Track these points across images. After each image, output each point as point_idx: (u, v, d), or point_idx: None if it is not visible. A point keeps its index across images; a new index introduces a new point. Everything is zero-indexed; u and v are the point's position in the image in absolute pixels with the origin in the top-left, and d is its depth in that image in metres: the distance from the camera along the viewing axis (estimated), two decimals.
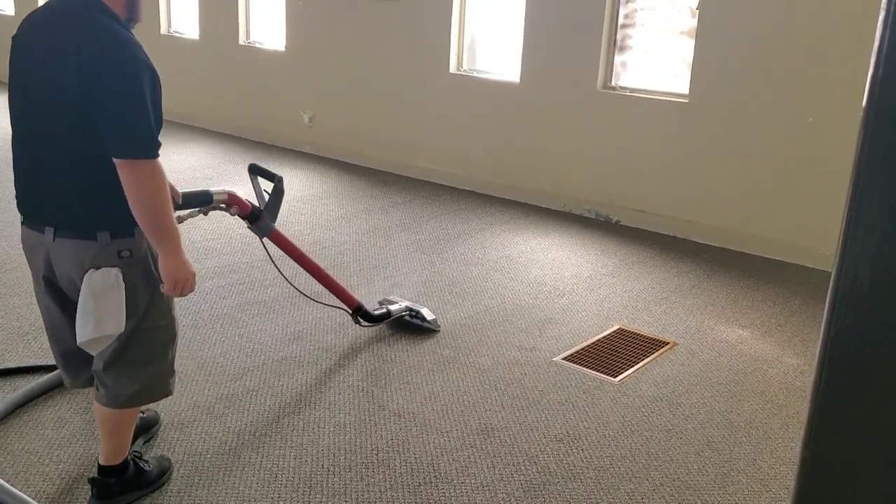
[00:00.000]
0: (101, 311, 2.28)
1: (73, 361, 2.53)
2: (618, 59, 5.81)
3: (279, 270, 3.51)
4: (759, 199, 5.29)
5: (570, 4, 5.87)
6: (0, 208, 5.45)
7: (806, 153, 5.06)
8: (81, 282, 2.30)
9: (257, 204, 3.32)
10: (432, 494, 2.73)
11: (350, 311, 3.76)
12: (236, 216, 3.21)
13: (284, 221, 5.53)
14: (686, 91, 5.47)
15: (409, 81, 6.81)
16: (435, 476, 2.83)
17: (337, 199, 6.20)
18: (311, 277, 3.70)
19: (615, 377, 3.60)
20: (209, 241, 5.09)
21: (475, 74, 6.53)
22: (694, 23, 5.42)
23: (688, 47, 5.46)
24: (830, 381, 0.97)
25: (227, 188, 3.17)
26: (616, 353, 3.84)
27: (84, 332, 2.30)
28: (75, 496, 2.64)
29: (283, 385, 3.40)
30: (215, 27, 8.13)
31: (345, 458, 2.90)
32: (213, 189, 3.06)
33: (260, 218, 3.27)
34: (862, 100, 0.92)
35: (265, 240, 3.39)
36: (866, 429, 0.94)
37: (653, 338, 4.02)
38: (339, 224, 5.57)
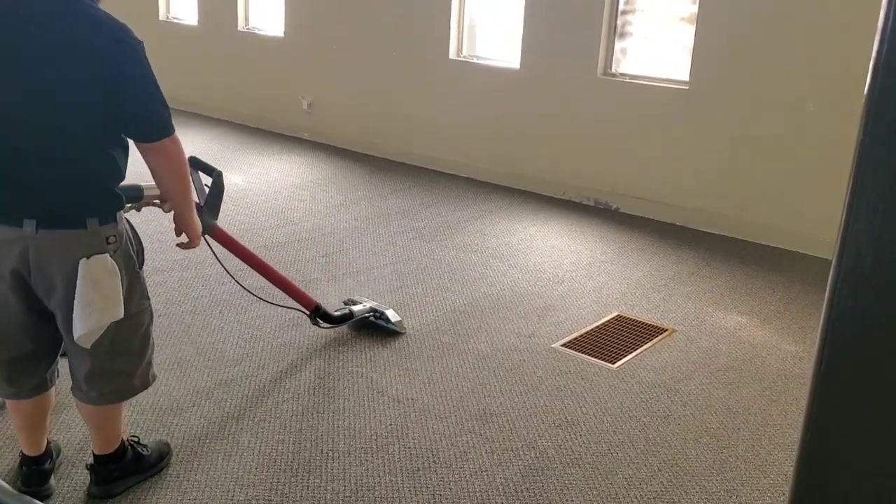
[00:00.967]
0: (105, 299, 2.25)
1: (23, 369, 2.42)
2: (618, 45, 5.79)
3: (226, 270, 3.24)
4: (758, 187, 5.28)
5: None
6: None
7: (806, 140, 5.05)
8: (65, 275, 2.23)
9: (198, 199, 3.05)
10: (431, 479, 2.73)
11: (308, 313, 3.54)
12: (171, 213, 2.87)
13: (284, 208, 5.53)
14: (686, 78, 5.46)
15: (409, 68, 6.78)
16: (434, 461, 2.83)
17: (336, 186, 6.19)
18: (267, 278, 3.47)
19: (613, 364, 3.60)
20: None
21: (475, 61, 6.50)
22: (694, 9, 5.39)
23: (688, 34, 5.44)
24: (831, 362, 0.96)
25: None
26: (614, 339, 3.84)
27: (87, 322, 2.23)
28: (74, 481, 2.64)
29: (281, 371, 3.40)
30: (214, 13, 8.09)
31: (344, 444, 2.91)
32: (144, 184, 2.75)
33: (199, 214, 2.83)
34: (861, 88, 0.91)
35: (210, 238, 3.12)
36: (868, 410, 0.94)
37: (651, 324, 4.02)
38: (338, 211, 5.57)
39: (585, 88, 5.88)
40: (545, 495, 2.69)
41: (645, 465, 2.88)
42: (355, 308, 3.76)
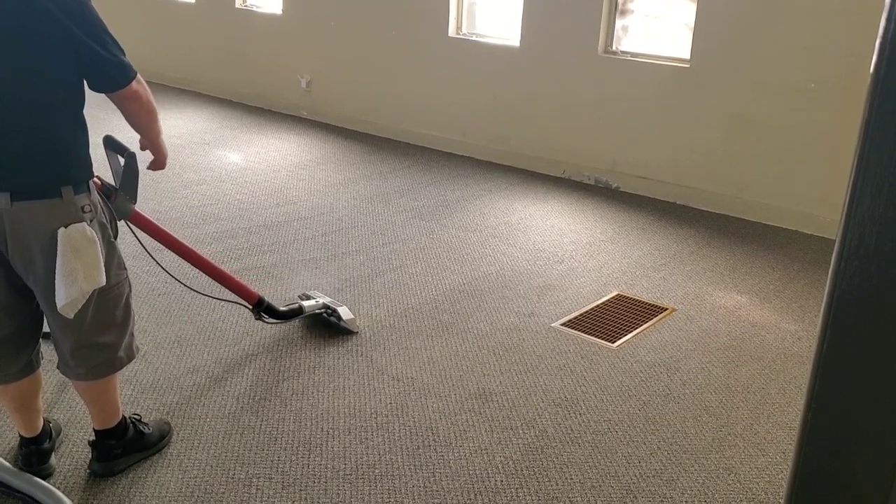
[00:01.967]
0: (86, 267, 2.21)
1: (6, 351, 2.41)
2: (619, 23, 5.75)
3: (155, 260, 3.02)
4: (759, 166, 5.27)
5: None
6: None
7: (807, 120, 5.03)
8: (43, 246, 2.20)
9: (113, 182, 2.78)
10: (431, 457, 2.74)
11: (249, 307, 3.33)
12: None
13: (283, 187, 5.51)
14: (687, 56, 5.42)
15: (408, 45, 6.74)
16: (434, 439, 2.84)
17: (335, 165, 6.17)
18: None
19: (613, 343, 3.61)
20: (207, 206, 5.07)
21: (474, 38, 6.46)
22: None
23: (689, 11, 5.40)
24: (833, 342, 0.96)
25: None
26: (614, 318, 3.85)
27: (70, 291, 2.19)
28: (75, 461, 2.65)
29: (281, 350, 3.40)
30: None
31: (344, 422, 2.92)
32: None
33: (112, 196, 2.66)
34: (863, 67, 0.90)
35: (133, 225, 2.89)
36: (870, 389, 0.94)
37: (651, 304, 4.02)
38: (337, 190, 5.55)
39: (586, 66, 5.84)
40: (545, 473, 2.70)
41: (644, 444, 2.89)
42: (306, 303, 3.53)
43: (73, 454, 2.68)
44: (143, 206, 4.74)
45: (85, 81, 2.27)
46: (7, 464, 2.56)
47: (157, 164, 2.63)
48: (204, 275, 3.26)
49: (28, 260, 2.24)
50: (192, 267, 3.21)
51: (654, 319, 3.86)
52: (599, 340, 3.62)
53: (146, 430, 2.69)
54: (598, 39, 5.74)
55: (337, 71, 7.26)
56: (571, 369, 3.37)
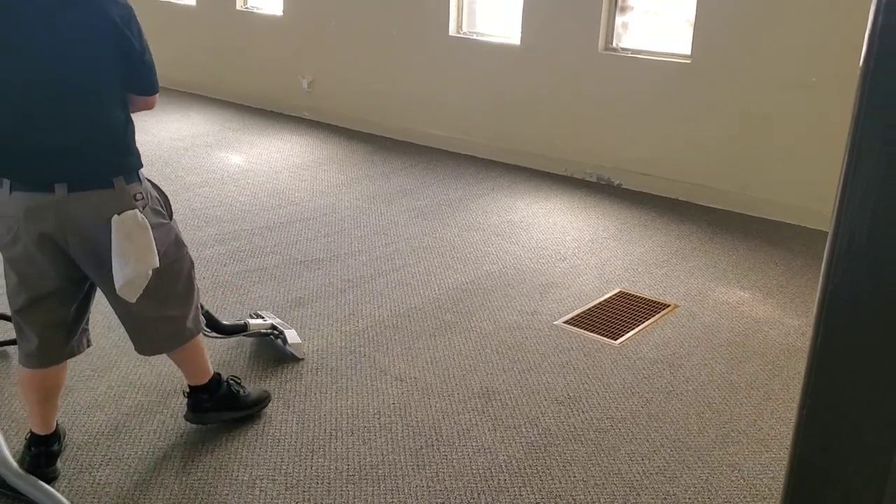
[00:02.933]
0: (139, 250, 2.34)
1: (56, 335, 2.49)
2: (619, 19, 5.74)
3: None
4: (761, 161, 5.26)
5: None
6: None
7: (809, 114, 5.01)
8: (100, 234, 2.32)
9: None
10: (434, 457, 2.75)
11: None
12: None
13: (285, 188, 5.52)
14: (688, 52, 5.41)
15: (409, 45, 6.74)
16: (437, 439, 2.85)
17: (337, 165, 6.18)
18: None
19: (616, 340, 3.61)
20: (210, 208, 5.08)
21: (475, 37, 6.46)
22: None
23: (690, 7, 5.39)
24: (827, 340, 0.96)
25: None
26: (617, 315, 3.84)
27: (125, 272, 2.31)
28: (80, 464, 2.66)
29: (283, 351, 3.41)
30: None
31: (347, 423, 2.92)
32: None
33: None
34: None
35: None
36: (861, 386, 0.94)
37: (654, 300, 4.02)
38: (339, 190, 5.55)
39: (586, 64, 5.84)
40: (548, 472, 2.70)
41: (647, 441, 2.89)
42: (252, 321, 3.35)
43: (76, 458, 2.69)
44: None
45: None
46: (15, 465, 2.57)
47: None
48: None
49: (87, 248, 2.37)
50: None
51: (657, 316, 3.85)
52: (602, 338, 3.62)
53: (241, 392, 2.87)
54: (599, 36, 5.74)
55: (338, 71, 7.27)
56: (574, 367, 3.37)
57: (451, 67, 6.53)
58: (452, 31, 6.48)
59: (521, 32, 6.10)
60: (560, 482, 2.65)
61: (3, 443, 2.62)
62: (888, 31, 0.86)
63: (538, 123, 6.17)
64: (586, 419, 3.01)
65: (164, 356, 2.78)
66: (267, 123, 7.34)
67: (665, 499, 2.60)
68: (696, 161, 5.50)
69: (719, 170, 5.42)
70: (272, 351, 3.40)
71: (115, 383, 3.12)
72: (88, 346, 2.66)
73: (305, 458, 2.72)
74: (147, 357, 2.89)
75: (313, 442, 2.81)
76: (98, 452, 2.72)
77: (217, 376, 2.84)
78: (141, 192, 2.42)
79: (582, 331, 3.68)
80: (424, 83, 6.73)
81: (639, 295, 4.08)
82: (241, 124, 7.30)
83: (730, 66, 5.24)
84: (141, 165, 2.46)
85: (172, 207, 2.66)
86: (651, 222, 5.14)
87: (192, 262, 2.66)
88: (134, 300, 2.39)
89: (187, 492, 2.55)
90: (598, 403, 3.11)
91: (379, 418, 2.96)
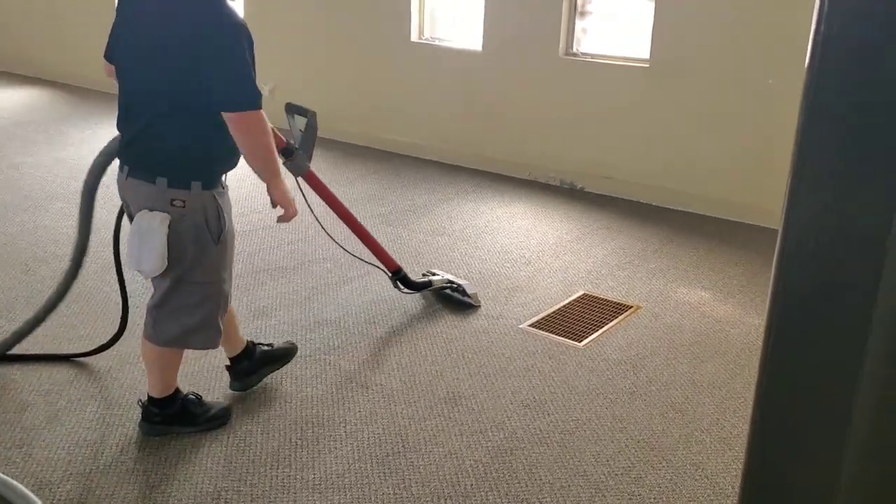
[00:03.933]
0: (143, 250, 2.52)
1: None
2: (579, 24, 5.79)
3: (320, 223, 3.54)
4: (721, 163, 5.33)
5: None
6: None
7: (768, 115, 5.10)
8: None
9: (294, 143, 3.37)
10: (400, 464, 2.75)
11: (389, 274, 3.75)
12: None
13: (248, 196, 5.47)
14: (647, 56, 5.48)
15: (372, 51, 6.73)
16: (403, 446, 2.85)
17: None
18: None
19: (580, 342, 3.64)
20: None
21: (437, 43, 6.47)
22: None
23: (648, 12, 5.46)
24: (777, 342, 0.98)
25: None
26: (581, 318, 3.87)
27: (129, 262, 2.60)
28: (39, 480, 2.62)
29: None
30: None
31: (312, 432, 2.91)
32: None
33: (293, 154, 3.29)
34: None
35: (301, 182, 3.41)
36: (812, 384, 0.96)
37: (617, 302, 4.06)
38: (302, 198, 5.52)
39: (547, 69, 5.88)
40: (514, 475, 2.71)
41: (612, 442, 2.92)
42: (434, 278, 3.92)
43: (35, 474, 2.64)
44: (107, 219, 4.71)
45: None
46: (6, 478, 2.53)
47: (283, 210, 2.73)
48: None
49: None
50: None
51: (620, 318, 3.89)
52: (567, 340, 3.65)
53: (197, 410, 2.87)
54: (559, 42, 5.79)
55: (300, 77, 7.23)
56: (539, 370, 3.39)
57: (414, 73, 6.54)
58: (415, 37, 6.49)
59: (483, 38, 6.12)
60: (526, 485, 2.67)
61: None
62: (830, 39, 0.88)
63: (501, 128, 6.20)
64: (552, 422, 3.03)
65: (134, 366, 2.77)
66: None
67: (630, 499, 2.62)
68: (656, 163, 5.57)
69: (679, 172, 5.49)
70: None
71: (76, 396, 3.08)
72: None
73: (271, 469, 2.70)
74: (200, 349, 2.94)
75: (278, 452, 2.79)
76: (59, 467, 2.68)
77: (173, 395, 2.84)
78: (183, 201, 2.52)
79: (547, 334, 3.70)
80: (387, 89, 6.73)
81: (602, 297, 4.11)
82: None
83: (688, 69, 5.32)
84: (199, 179, 2.53)
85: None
86: (613, 225, 5.19)
87: (220, 294, 2.72)
88: (145, 278, 2.66)
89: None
90: (563, 406, 3.13)
91: (345, 426, 2.95)
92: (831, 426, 0.91)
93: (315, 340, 3.56)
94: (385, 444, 2.85)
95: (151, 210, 2.52)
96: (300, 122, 3.46)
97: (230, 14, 2.47)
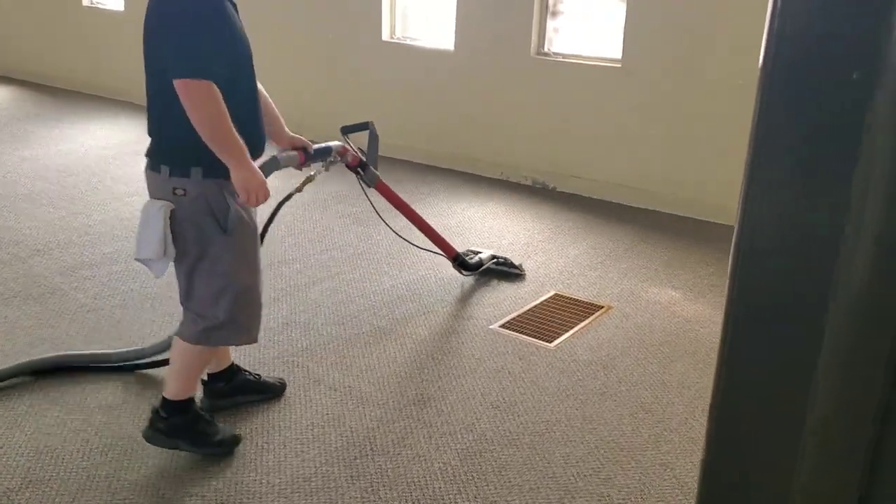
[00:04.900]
0: (142, 237, 2.50)
1: None
2: (550, 24, 5.79)
3: (384, 221, 3.88)
4: (691, 162, 5.35)
5: None
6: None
7: (737, 115, 5.10)
8: None
9: (362, 157, 3.58)
10: (368, 467, 2.72)
11: (451, 259, 4.08)
12: (347, 167, 3.49)
13: None
14: (619, 56, 5.49)
15: (344, 50, 6.69)
16: (371, 449, 2.82)
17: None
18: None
19: (551, 343, 3.62)
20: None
21: (408, 42, 6.44)
22: None
23: (619, 11, 5.46)
24: (734, 341, 0.97)
25: (339, 142, 3.41)
26: (552, 318, 3.86)
27: (138, 251, 2.54)
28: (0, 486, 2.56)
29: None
30: None
31: (279, 435, 2.87)
32: (330, 143, 3.33)
33: (366, 168, 3.57)
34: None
35: (371, 191, 3.68)
36: (767, 385, 0.94)
37: (588, 302, 4.05)
38: (272, 198, 5.46)
39: (519, 68, 5.87)
40: (483, 477, 2.69)
41: (582, 443, 2.91)
42: (482, 256, 4.26)
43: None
44: (71, 220, 4.64)
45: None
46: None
47: (240, 195, 2.52)
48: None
49: None
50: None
51: (591, 318, 3.88)
52: (537, 341, 3.63)
53: (207, 430, 2.73)
54: (531, 41, 5.78)
55: (271, 77, 7.16)
56: (510, 371, 3.37)
57: (386, 73, 6.50)
58: (386, 36, 6.46)
59: (455, 38, 6.11)
60: (495, 488, 2.65)
61: None
62: (783, 37, 0.87)
63: (474, 128, 6.18)
64: (521, 423, 3.01)
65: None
66: None
67: (600, 500, 2.61)
68: (627, 163, 5.58)
69: (651, 171, 5.50)
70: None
71: (36, 401, 3.01)
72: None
73: (236, 473, 2.66)
74: (221, 344, 2.86)
75: (244, 456, 2.75)
76: (17, 475, 2.61)
77: (185, 403, 2.71)
78: (184, 189, 2.47)
79: (517, 334, 3.68)
80: (358, 88, 6.69)
81: (573, 297, 4.11)
82: None
83: (659, 69, 5.33)
84: (204, 166, 2.45)
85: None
86: (585, 225, 5.19)
87: (237, 290, 2.60)
88: (155, 275, 2.61)
89: None
90: (534, 407, 3.12)
91: (312, 430, 2.91)
92: (787, 427, 0.90)
93: (283, 342, 3.52)
94: (353, 448, 2.82)
95: (156, 199, 2.51)
96: (356, 139, 3.63)
97: None
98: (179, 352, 2.69)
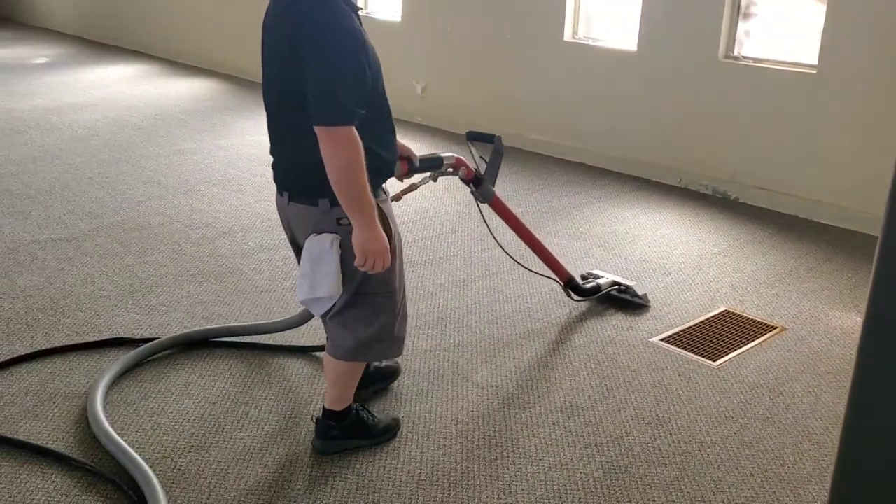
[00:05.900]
0: (316, 276, 2.41)
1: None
2: (741, 26, 5.49)
3: (495, 238, 3.64)
4: (888, 178, 4.89)
5: None
6: (124, 171, 5.75)
7: None
8: (303, 243, 2.47)
9: (479, 170, 3.42)
10: (508, 469, 2.68)
11: (562, 283, 3.76)
12: (461, 179, 3.36)
13: (391, 190, 5.56)
14: (815, 62, 5.11)
15: (523, 51, 6.68)
16: (513, 451, 2.78)
17: None
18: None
19: (715, 361, 3.43)
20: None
21: (590, 42, 6.34)
22: None
23: (818, 14, 5.09)
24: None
25: (453, 153, 3.27)
26: (719, 336, 3.66)
27: (302, 291, 2.47)
28: (166, 448, 2.75)
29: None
30: None
31: (424, 427, 2.90)
32: (442, 154, 3.22)
33: (482, 183, 3.37)
34: None
35: (483, 206, 3.48)
36: None
37: (760, 322, 3.80)
38: (442, 194, 5.55)
39: (705, 72, 5.62)
40: (626, 493, 2.59)
41: (737, 469, 2.73)
42: (601, 281, 3.90)
43: (161, 442, 2.78)
44: (256, 206, 4.87)
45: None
46: (119, 439, 2.69)
47: (357, 257, 2.37)
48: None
49: (298, 246, 2.58)
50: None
51: (762, 338, 3.64)
52: (700, 358, 3.45)
53: (370, 421, 2.78)
54: (720, 44, 5.52)
55: (451, 77, 7.29)
56: (666, 387, 3.22)
57: (565, 73, 6.43)
58: (568, 36, 6.38)
59: (639, 38, 5.94)
60: None
61: (99, 416, 2.76)
62: None
63: (653, 132, 5.98)
64: (673, 442, 2.87)
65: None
66: None
67: None
68: (818, 176, 5.19)
69: (843, 186, 5.09)
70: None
71: (207, 372, 3.22)
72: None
73: (379, 459, 2.72)
74: (373, 360, 2.93)
75: (388, 444, 2.80)
76: (182, 439, 2.80)
77: (349, 407, 2.74)
78: (347, 218, 2.33)
79: (679, 350, 3.52)
80: (537, 89, 6.66)
81: (745, 315, 3.87)
82: None
83: (859, 77, 4.92)
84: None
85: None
86: (766, 239, 4.88)
87: (393, 304, 2.58)
88: (317, 314, 2.56)
89: (261, 484, 2.59)
90: (688, 426, 2.96)
91: (456, 425, 2.92)
92: None
93: (436, 336, 3.56)
94: (495, 448, 2.80)
95: (319, 233, 2.41)
96: (482, 148, 3.47)
97: (331, 13, 2.26)
98: (336, 369, 2.66)
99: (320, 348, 3.31)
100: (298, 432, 2.85)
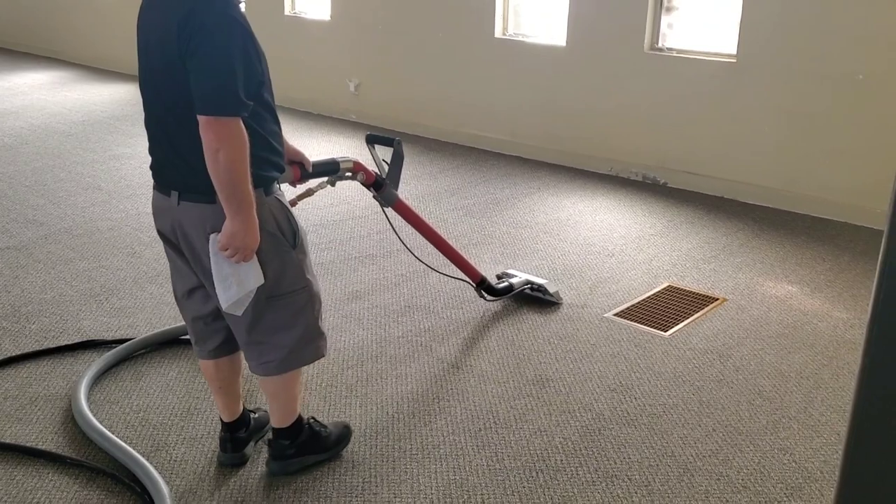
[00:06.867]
0: (240, 271, 2.26)
1: (203, 328, 2.55)
2: (665, 20, 5.80)
3: (403, 243, 3.65)
4: (807, 158, 5.28)
5: None
6: (62, 178, 5.67)
7: (856, 111, 5.03)
8: (202, 246, 2.29)
9: (379, 172, 3.36)
10: (492, 438, 2.85)
11: (474, 285, 3.77)
12: (362, 184, 3.26)
13: (336, 187, 5.64)
14: (734, 51, 5.46)
15: (454, 47, 6.86)
16: (494, 422, 2.95)
17: None
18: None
19: (666, 331, 3.68)
20: None
21: (520, 38, 6.56)
22: None
23: (735, 6, 5.44)
24: (881, 336, 1.02)
25: (351, 157, 3.20)
26: (666, 309, 3.91)
27: (228, 294, 2.29)
28: (158, 441, 2.81)
29: (344, 341, 3.54)
30: None
31: (408, 406, 3.04)
32: (339, 157, 3.13)
33: (383, 186, 3.32)
34: None
35: (388, 210, 3.43)
36: None
37: (702, 294, 4.08)
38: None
39: (632, 64, 5.91)
40: (603, 453, 2.79)
41: (699, 426, 2.97)
42: (514, 280, 3.92)
43: (152, 437, 2.84)
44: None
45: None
46: (109, 434, 2.74)
47: (221, 241, 2.25)
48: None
49: (194, 256, 2.36)
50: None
51: (706, 309, 3.92)
52: (652, 329, 3.69)
53: (323, 433, 2.69)
54: (645, 37, 5.81)
55: (385, 74, 7.42)
56: (625, 356, 3.45)
57: (497, 69, 6.64)
58: (498, 33, 6.59)
59: (567, 33, 6.19)
60: (615, 463, 2.74)
61: (89, 415, 2.80)
62: None
63: (584, 124, 6.25)
64: (638, 405, 3.09)
65: None
66: (315, 126, 7.51)
67: (719, 479, 2.67)
68: (742, 159, 5.54)
69: (765, 167, 5.45)
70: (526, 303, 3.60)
71: (185, 369, 3.27)
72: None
73: (370, 438, 2.84)
74: (308, 363, 2.63)
75: (376, 424, 2.93)
76: (172, 432, 2.87)
77: (298, 421, 2.63)
78: None
79: (632, 323, 3.76)
80: (470, 85, 6.85)
81: (687, 289, 4.14)
82: (289, 127, 7.46)
83: (775, 64, 5.28)
84: (264, 185, 2.32)
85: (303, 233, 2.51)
86: (697, 220, 5.19)
87: (312, 297, 2.47)
88: (240, 312, 2.34)
89: (256, 471, 2.69)
90: (650, 391, 3.19)
91: (438, 402, 3.07)
92: None
93: (406, 323, 3.70)
94: (477, 420, 2.96)
95: (219, 231, 2.24)
96: (383, 152, 3.43)
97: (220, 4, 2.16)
98: (273, 386, 2.53)
99: None
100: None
